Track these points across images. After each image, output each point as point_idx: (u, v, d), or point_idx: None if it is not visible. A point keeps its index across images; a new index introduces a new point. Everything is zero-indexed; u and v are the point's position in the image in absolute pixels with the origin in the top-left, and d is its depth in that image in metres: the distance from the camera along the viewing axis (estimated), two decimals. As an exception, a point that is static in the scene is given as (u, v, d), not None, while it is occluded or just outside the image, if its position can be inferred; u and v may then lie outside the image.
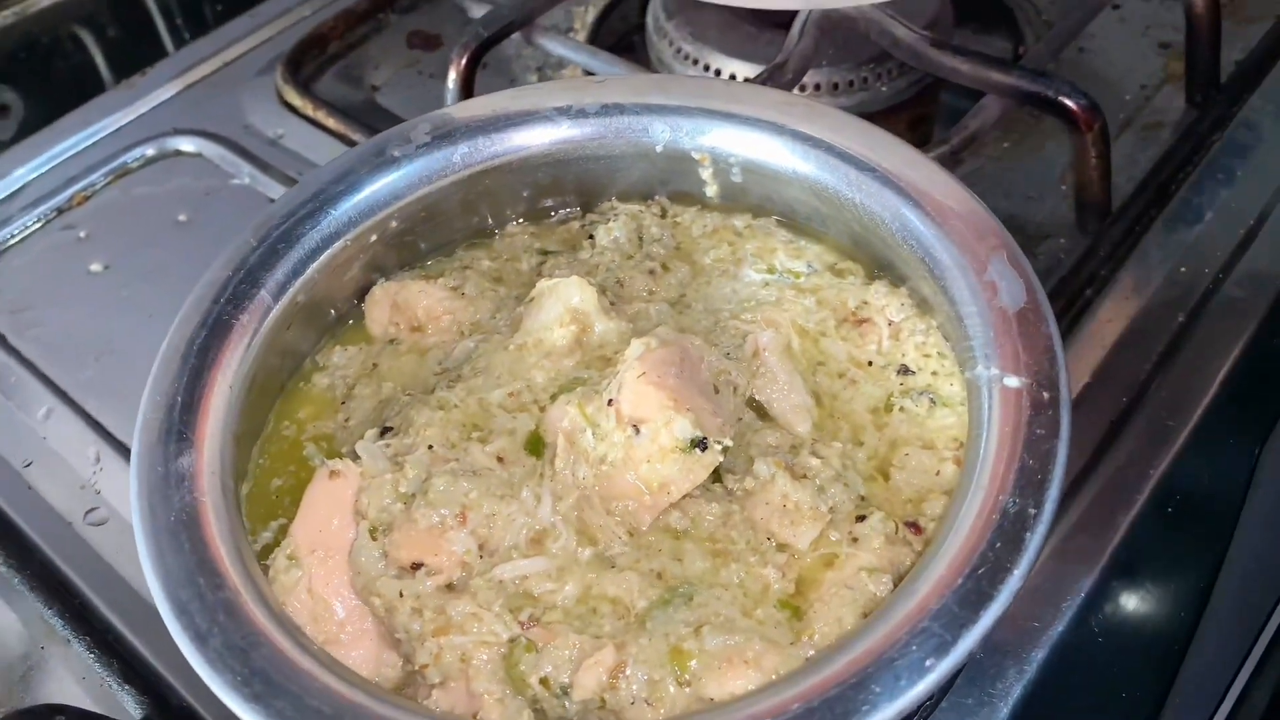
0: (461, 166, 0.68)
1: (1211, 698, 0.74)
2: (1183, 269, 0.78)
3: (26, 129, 1.09)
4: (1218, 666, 0.75)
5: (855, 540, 0.55)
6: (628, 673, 0.51)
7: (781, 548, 0.56)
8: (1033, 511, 0.48)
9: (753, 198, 0.70)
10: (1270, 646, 0.78)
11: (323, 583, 0.56)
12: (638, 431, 0.56)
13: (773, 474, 0.57)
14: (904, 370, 0.63)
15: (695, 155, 0.68)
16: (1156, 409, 0.71)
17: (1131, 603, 0.66)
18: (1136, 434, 0.70)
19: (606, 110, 0.68)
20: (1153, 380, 0.72)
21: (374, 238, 0.67)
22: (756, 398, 0.62)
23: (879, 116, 0.94)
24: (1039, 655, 0.61)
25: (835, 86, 0.92)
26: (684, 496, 0.57)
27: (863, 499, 0.58)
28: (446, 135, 0.67)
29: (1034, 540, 0.47)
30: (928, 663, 0.44)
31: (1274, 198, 0.82)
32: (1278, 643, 0.78)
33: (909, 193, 0.61)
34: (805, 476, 0.57)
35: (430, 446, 0.58)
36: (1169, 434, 0.69)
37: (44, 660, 0.67)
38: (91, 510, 0.73)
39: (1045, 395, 0.52)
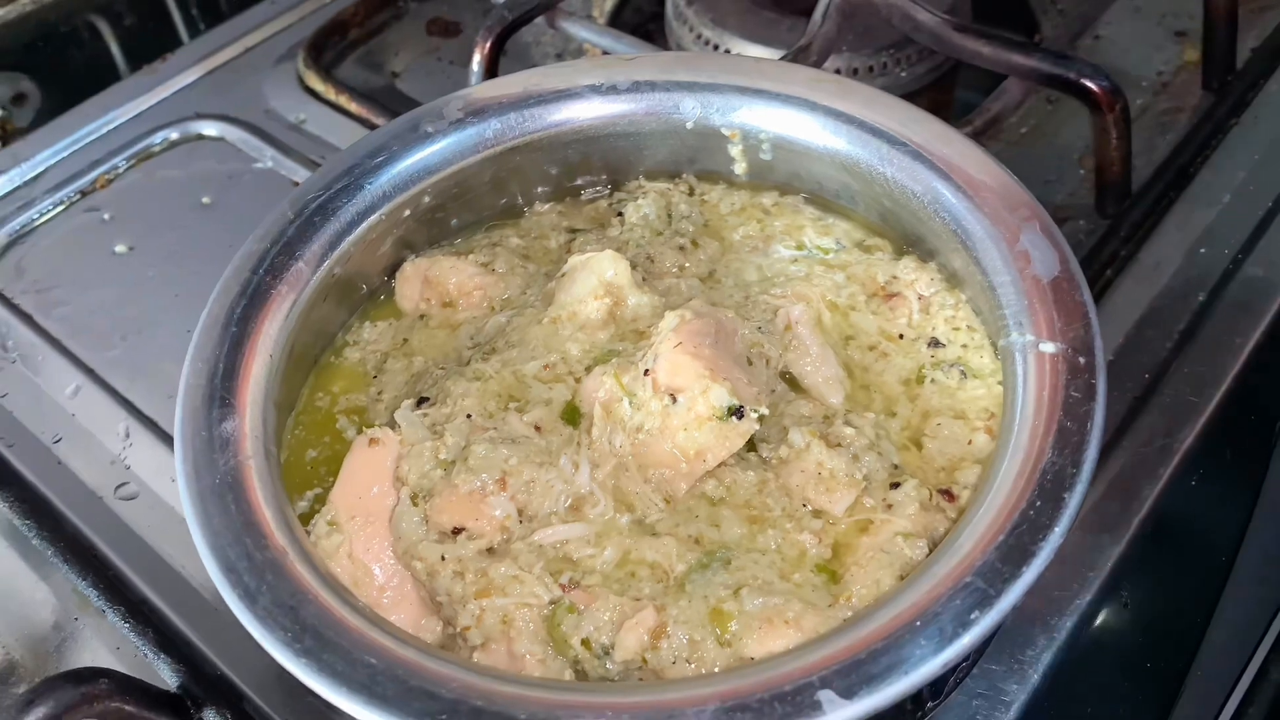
0: (494, 142, 0.68)
1: (1234, 667, 0.74)
2: (1202, 249, 0.79)
3: (43, 117, 1.09)
4: (1240, 637, 0.75)
5: (890, 506, 0.56)
6: (669, 632, 0.51)
7: (817, 514, 0.56)
8: (1072, 471, 0.49)
9: (781, 175, 0.71)
10: (1290, 623, 0.79)
11: (363, 547, 0.56)
12: (675, 400, 0.57)
13: (808, 443, 0.57)
14: (934, 343, 0.63)
15: (725, 132, 0.69)
16: (1179, 385, 0.71)
17: (1157, 573, 0.67)
18: (1160, 409, 0.70)
19: (638, 87, 0.69)
20: (1175, 357, 0.73)
21: (407, 212, 0.67)
22: (789, 370, 0.63)
23: (897, 102, 0.95)
24: (1068, 623, 0.61)
25: (855, 71, 0.92)
26: (719, 465, 0.57)
27: (896, 467, 0.58)
28: (479, 112, 0.68)
29: (1074, 499, 0.48)
30: (973, 615, 0.45)
31: (1291, 180, 0.83)
32: (1297, 619, 0.79)
33: (941, 166, 0.62)
34: (840, 445, 0.58)
35: (469, 415, 0.59)
36: (1192, 410, 0.70)
37: (78, 631, 0.67)
38: (122, 485, 0.73)
39: (1080, 360, 0.52)
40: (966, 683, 0.59)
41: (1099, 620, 0.63)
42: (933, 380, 0.62)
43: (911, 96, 0.94)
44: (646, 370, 0.58)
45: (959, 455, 0.59)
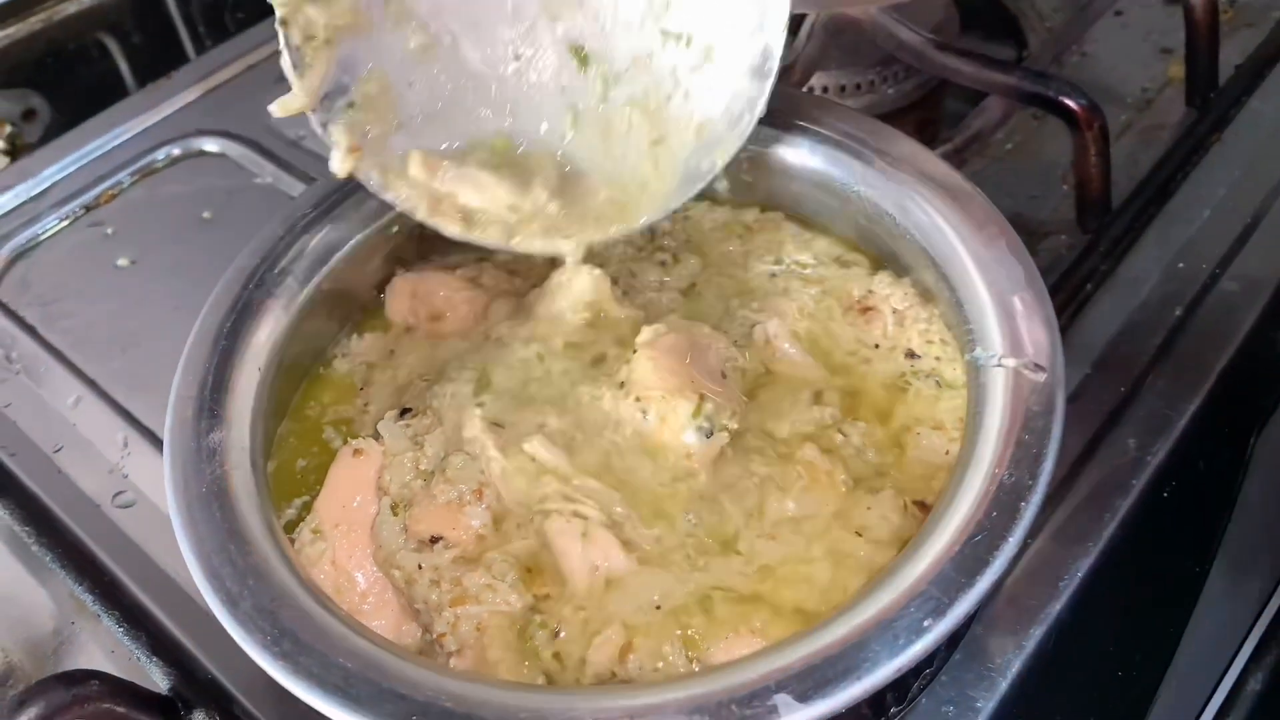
0: (481, 160, 0.70)
1: (1208, 680, 0.75)
2: (1181, 265, 0.80)
3: (52, 132, 1.12)
4: (1214, 649, 0.76)
5: (868, 511, 0.57)
6: (636, 647, 0.53)
7: (795, 520, 0.58)
8: (1028, 483, 0.50)
9: (761, 192, 0.72)
10: (1267, 632, 0.80)
11: (346, 555, 0.58)
12: (645, 415, 0.59)
13: (797, 448, 0.59)
14: (910, 355, 0.65)
15: (705, 150, 0.70)
16: (1154, 399, 0.73)
17: (1128, 585, 0.68)
18: (1134, 423, 0.71)
19: (620, 106, 0.70)
20: (1150, 371, 0.74)
21: (396, 229, 0.69)
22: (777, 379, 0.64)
23: (885, 119, 0.96)
24: (1037, 632, 0.63)
25: (842, 89, 0.94)
26: (695, 475, 0.59)
27: (879, 474, 0.60)
28: (466, 130, 0.70)
29: (1029, 510, 0.49)
30: (925, 623, 0.46)
31: (1270, 197, 0.84)
32: (1275, 628, 0.80)
33: (913, 185, 0.63)
34: (830, 451, 0.59)
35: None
36: (1166, 423, 0.71)
37: (74, 635, 0.69)
38: (120, 493, 0.75)
39: (1041, 375, 0.54)
40: (935, 689, 0.60)
41: (1070, 629, 0.64)
42: (916, 390, 0.64)
43: (899, 113, 0.97)
44: (622, 383, 0.60)
45: (937, 465, 0.60)
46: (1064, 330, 0.76)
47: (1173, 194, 0.85)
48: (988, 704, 0.60)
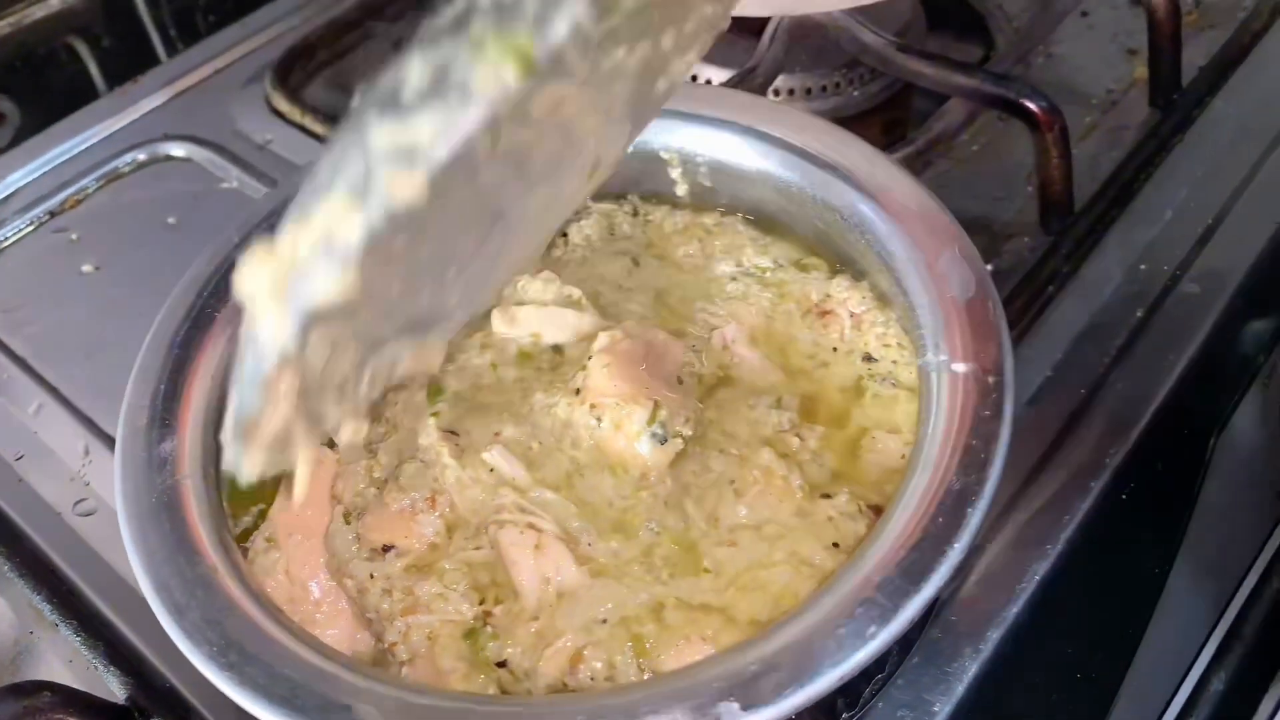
0: (436, 166, 0.70)
1: (1170, 681, 0.75)
2: (1142, 266, 0.81)
3: (22, 135, 1.11)
4: (1176, 650, 0.76)
5: (829, 520, 0.57)
6: (585, 657, 0.53)
7: (752, 526, 0.57)
8: (975, 488, 0.50)
9: (722, 196, 0.72)
10: (1230, 632, 0.80)
11: (299, 564, 0.58)
12: (599, 422, 0.59)
13: (758, 450, 0.59)
14: (868, 358, 0.65)
15: (664, 155, 0.70)
16: (1114, 400, 0.73)
17: (1088, 587, 0.68)
18: (1094, 424, 0.72)
19: (578, 111, 0.70)
20: (1110, 373, 0.74)
21: (353, 236, 0.69)
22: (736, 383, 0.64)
23: (853, 120, 0.97)
24: (994, 635, 0.63)
25: (809, 91, 0.94)
26: (649, 481, 0.59)
27: (835, 477, 0.60)
28: (423, 136, 0.70)
29: (975, 515, 0.49)
30: (870, 630, 0.46)
31: (1232, 198, 0.84)
32: (1237, 627, 0.80)
33: (867, 190, 0.63)
34: (786, 455, 0.59)
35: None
36: (1125, 424, 0.71)
37: (33, 645, 0.69)
38: (80, 501, 0.75)
39: (990, 380, 0.54)
40: (891, 693, 0.61)
41: (1028, 632, 0.64)
42: (873, 394, 0.64)
43: (866, 114, 0.97)
44: (577, 390, 0.60)
45: (892, 469, 0.60)
46: (1025, 332, 0.77)
47: (1135, 195, 0.85)
48: (944, 708, 0.60)
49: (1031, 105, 0.79)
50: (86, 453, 0.77)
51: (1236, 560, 0.83)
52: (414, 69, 0.37)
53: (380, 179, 0.36)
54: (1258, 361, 0.81)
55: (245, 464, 0.41)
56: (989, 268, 0.81)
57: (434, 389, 0.62)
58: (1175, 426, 0.74)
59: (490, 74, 0.36)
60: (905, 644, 0.60)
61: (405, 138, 0.36)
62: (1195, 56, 0.96)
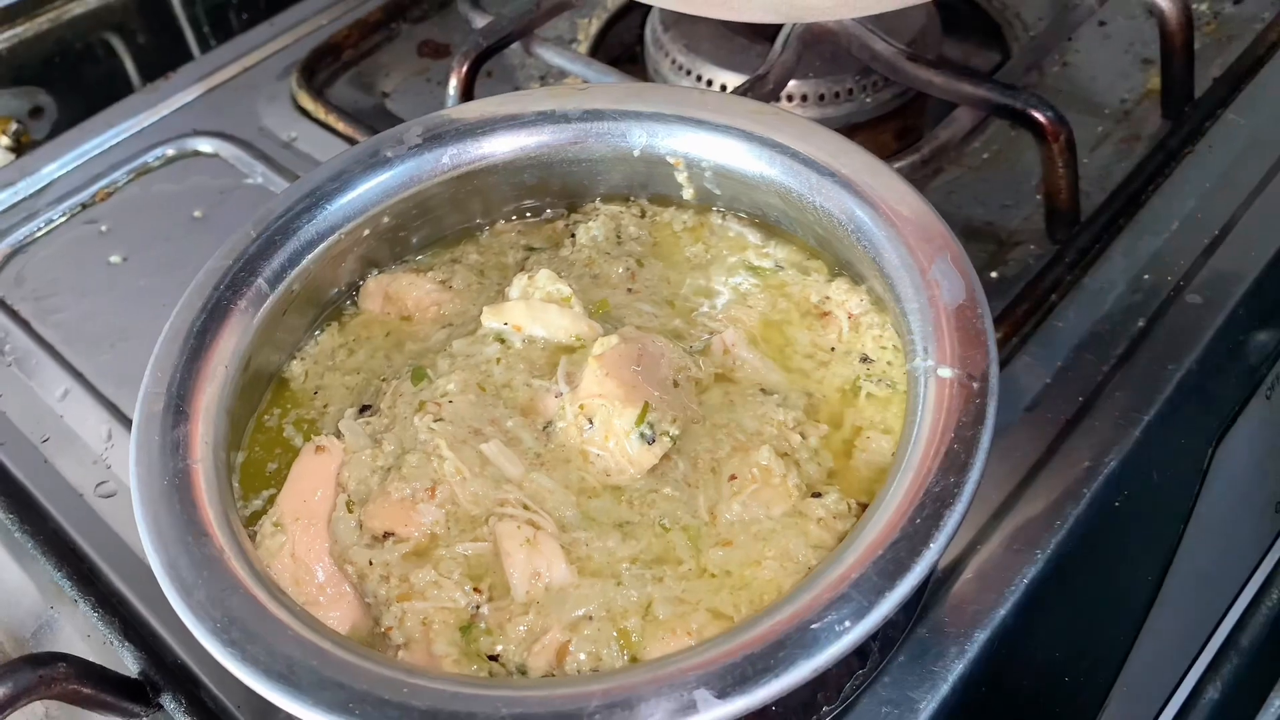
0: (450, 167, 0.72)
1: (1161, 689, 0.76)
2: (1146, 276, 0.81)
3: (59, 129, 1.15)
4: (1169, 658, 0.77)
5: (819, 520, 0.58)
6: (572, 651, 0.54)
7: (750, 522, 0.59)
8: (955, 491, 0.51)
9: (726, 200, 0.74)
10: (1226, 642, 0.81)
11: (305, 548, 0.60)
12: (591, 423, 0.61)
13: (758, 448, 0.60)
14: (864, 359, 0.66)
15: (670, 159, 0.72)
16: (1111, 409, 0.74)
17: (1078, 592, 0.69)
18: (1090, 432, 0.73)
19: (587, 116, 0.72)
20: (1109, 381, 0.75)
21: (367, 232, 0.71)
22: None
23: (866, 127, 0.98)
24: (981, 636, 0.64)
25: (821, 97, 0.95)
26: (639, 478, 0.61)
27: (830, 476, 0.61)
28: (436, 137, 0.72)
29: (953, 517, 0.50)
30: (843, 625, 0.47)
31: (1240, 209, 0.85)
32: (1233, 637, 0.81)
33: (864, 197, 0.65)
34: (786, 454, 0.61)
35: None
36: (1122, 432, 0.72)
37: (53, 619, 0.71)
38: (102, 483, 0.78)
39: (975, 385, 0.55)
40: (876, 690, 0.62)
41: (1016, 634, 0.65)
42: (868, 394, 0.65)
43: (879, 121, 0.98)
44: (572, 390, 0.62)
45: (883, 468, 0.62)
46: (1026, 339, 0.78)
47: (1143, 205, 0.86)
48: (928, 705, 0.62)
49: (1038, 115, 0.80)
50: (109, 437, 0.80)
51: (1234, 571, 0.83)
52: None
53: None
54: (1261, 373, 0.81)
55: None
56: (993, 275, 0.84)
57: (418, 372, 0.64)
58: (1172, 437, 0.74)
59: None
60: (887, 641, 0.61)
61: None
62: (1210, 67, 0.97)
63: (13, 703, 0.57)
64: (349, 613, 0.59)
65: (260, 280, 0.66)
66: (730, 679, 0.47)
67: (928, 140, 0.82)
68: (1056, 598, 0.68)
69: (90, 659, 0.64)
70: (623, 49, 1.14)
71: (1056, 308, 0.80)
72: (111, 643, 0.68)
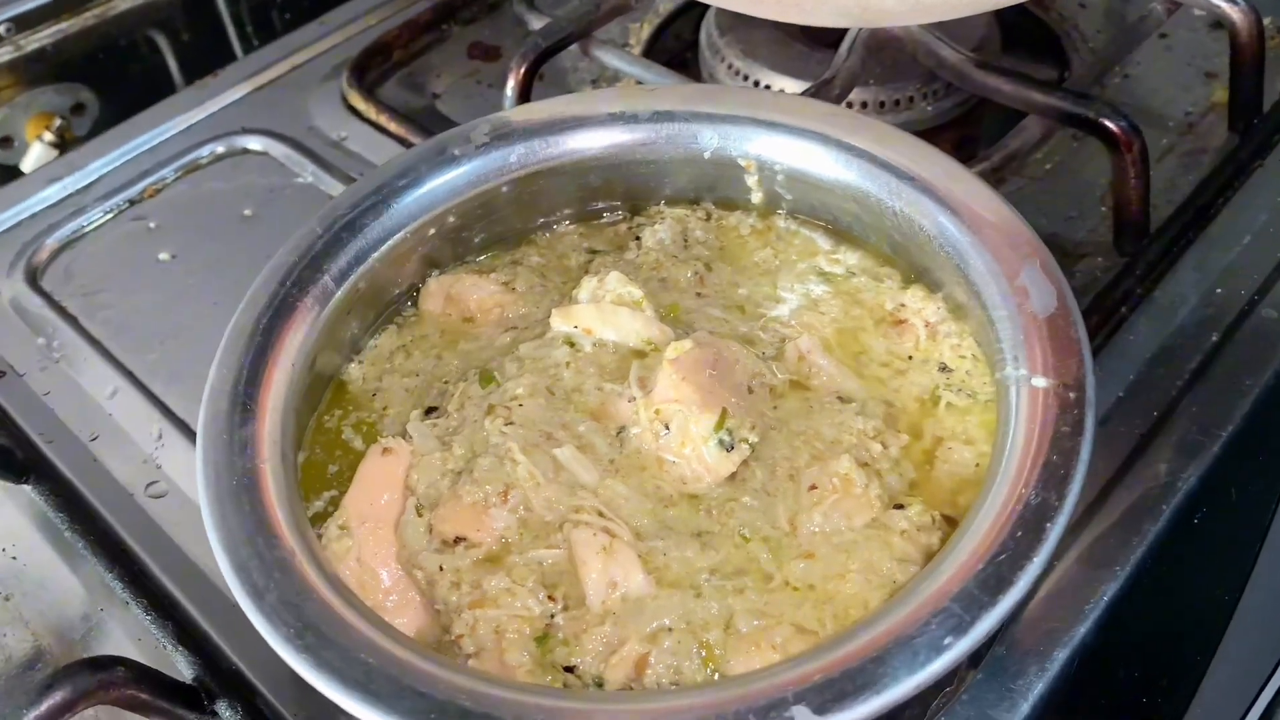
0: (517, 167, 0.71)
1: (1236, 709, 0.74)
2: (1219, 290, 0.79)
3: (100, 127, 1.14)
4: (1242, 681, 0.75)
5: (902, 533, 0.57)
6: (651, 663, 0.53)
7: (830, 534, 0.57)
8: (1055, 504, 0.50)
9: (796, 204, 0.73)
10: (1298, 667, 0.79)
11: (371, 552, 0.59)
12: (667, 428, 0.59)
13: (838, 457, 0.59)
14: (943, 368, 0.65)
15: (741, 162, 0.71)
16: (1187, 424, 0.72)
17: (1155, 610, 0.68)
18: (1166, 447, 0.71)
19: (658, 117, 0.71)
20: (1184, 396, 0.73)
21: (432, 231, 0.70)
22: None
23: (924, 135, 0.96)
24: (1061, 655, 0.62)
25: (882, 105, 0.94)
26: (717, 487, 0.59)
27: (912, 487, 0.60)
28: (504, 136, 0.71)
29: (1054, 530, 0.49)
30: (946, 641, 0.46)
31: (1313, 223, 0.83)
32: (1305, 663, 0.79)
33: (947, 202, 0.63)
34: (866, 464, 0.59)
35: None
36: (1198, 448, 0.70)
37: (103, 622, 0.70)
38: (152, 483, 0.76)
39: (1071, 395, 0.54)
40: (956, 708, 0.60)
41: (1094, 653, 0.63)
42: (948, 403, 0.63)
43: (938, 130, 0.97)
44: (646, 395, 0.60)
45: (965, 479, 0.60)
46: (1097, 353, 0.77)
47: (1213, 219, 0.84)
48: (1009, 725, 0.60)
49: (1111, 125, 0.78)
50: (159, 436, 0.79)
51: (1308, 592, 0.81)
52: None
53: None
54: (1338, 389, 0.80)
55: None
56: (1064, 285, 0.82)
57: (486, 375, 0.63)
58: (1249, 453, 0.72)
59: None
60: (974, 658, 0.59)
61: None
62: (1277, 81, 0.95)
63: (71, 707, 0.56)
64: (415, 618, 0.57)
65: (326, 277, 0.65)
66: (829, 695, 0.45)
67: (996, 149, 0.81)
68: (1135, 616, 0.66)
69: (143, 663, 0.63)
70: (672, 55, 1.13)
71: (1127, 320, 0.78)
72: (165, 647, 0.66)
